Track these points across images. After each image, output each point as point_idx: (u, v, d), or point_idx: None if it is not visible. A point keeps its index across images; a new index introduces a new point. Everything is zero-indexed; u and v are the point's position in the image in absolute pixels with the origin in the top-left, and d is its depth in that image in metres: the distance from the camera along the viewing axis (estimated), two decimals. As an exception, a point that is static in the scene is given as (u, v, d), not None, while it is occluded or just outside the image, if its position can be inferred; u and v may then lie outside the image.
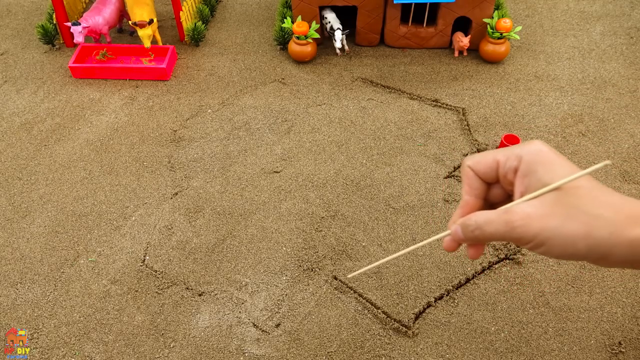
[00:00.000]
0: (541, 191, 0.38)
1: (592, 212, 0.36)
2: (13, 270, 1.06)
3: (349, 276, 1.01)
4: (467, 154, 1.28)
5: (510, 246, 1.08)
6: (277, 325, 0.97)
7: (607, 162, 0.39)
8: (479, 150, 1.28)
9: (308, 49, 1.53)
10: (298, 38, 1.51)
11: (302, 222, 1.14)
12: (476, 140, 1.32)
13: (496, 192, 0.44)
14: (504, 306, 0.99)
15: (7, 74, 1.55)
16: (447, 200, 1.18)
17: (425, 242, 0.46)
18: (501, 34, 1.49)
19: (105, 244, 1.10)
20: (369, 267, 0.54)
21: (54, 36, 1.61)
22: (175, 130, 1.36)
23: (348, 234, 1.11)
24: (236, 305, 1.00)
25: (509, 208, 0.38)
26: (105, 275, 1.05)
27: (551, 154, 0.39)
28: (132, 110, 1.42)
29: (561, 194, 0.37)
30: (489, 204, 0.45)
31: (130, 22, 1.51)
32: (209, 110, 1.42)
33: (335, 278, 1.04)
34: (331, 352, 0.93)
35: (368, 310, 0.99)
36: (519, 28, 1.54)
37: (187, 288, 1.02)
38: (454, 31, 1.59)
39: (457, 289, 1.02)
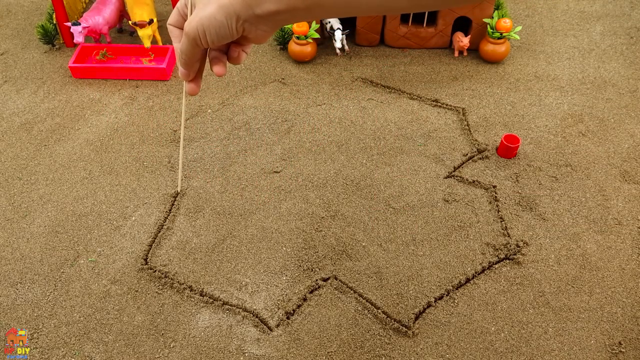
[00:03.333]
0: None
1: None
2: (13, 270, 1.06)
3: None
4: (467, 154, 1.28)
5: (510, 246, 1.08)
6: (277, 325, 0.97)
7: None
8: (479, 151, 1.28)
9: (308, 49, 1.53)
10: (298, 38, 1.51)
11: (302, 222, 1.14)
12: (476, 140, 1.32)
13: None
14: (504, 306, 0.99)
15: (7, 74, 1.55)
16: (447, 200, 1.18)
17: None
18: (501, 34, 1.49)
19: (105, 244, 1.10)
20: None
21: (54, 36, 1.61)
22: (175, 130, 1.36)
23: (348, 234, 1.11)
24: (236, 306, 1.00)
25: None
26: (105, 275, 1.05)
27: None
28: (132, 110, 1.42)
29: None
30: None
31: (130, 22, 1.51)
32: (209, 110, 1.42)
33: (336, 278, 1.04)
34: (331, 352, 0.93)
35: (368, 310, 0.99)
36: (519, 28, 1.54)
37: (187, 288, 1.02)
38: (454, 31, 1.59)
39: (457, 289, 1.02)
